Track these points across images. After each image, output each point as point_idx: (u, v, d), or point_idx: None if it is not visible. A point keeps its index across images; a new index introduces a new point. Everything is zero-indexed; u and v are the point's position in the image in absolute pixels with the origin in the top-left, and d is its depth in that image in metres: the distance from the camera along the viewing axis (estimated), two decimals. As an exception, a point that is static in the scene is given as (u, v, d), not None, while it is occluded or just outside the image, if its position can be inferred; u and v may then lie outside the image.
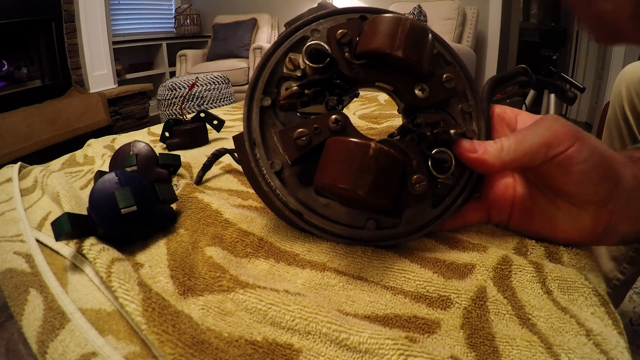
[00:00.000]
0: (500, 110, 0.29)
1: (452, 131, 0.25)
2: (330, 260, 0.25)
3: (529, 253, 0.27)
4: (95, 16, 2.54)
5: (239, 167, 0.44)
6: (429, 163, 0.26)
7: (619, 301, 0.80)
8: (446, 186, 0.27)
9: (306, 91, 0.26)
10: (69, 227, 0.24)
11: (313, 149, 0.25)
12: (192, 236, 0.28)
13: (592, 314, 0.22)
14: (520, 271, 0.24)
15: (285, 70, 0.27)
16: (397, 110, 0.32)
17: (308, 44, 0.26)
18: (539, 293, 0.23)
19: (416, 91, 0.27)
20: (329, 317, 0.19)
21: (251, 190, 0.37)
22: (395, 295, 0.23)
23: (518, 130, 0.25)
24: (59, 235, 0.24)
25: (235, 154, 0.41)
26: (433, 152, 0.26)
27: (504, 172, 0.28)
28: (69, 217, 0.24)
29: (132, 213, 0.26)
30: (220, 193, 0.37)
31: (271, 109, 0.26)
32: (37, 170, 0.44)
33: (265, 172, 0.25)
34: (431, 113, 0.28)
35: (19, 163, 0.46)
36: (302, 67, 0.26)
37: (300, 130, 0.24)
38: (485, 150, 0.25)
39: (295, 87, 0.26)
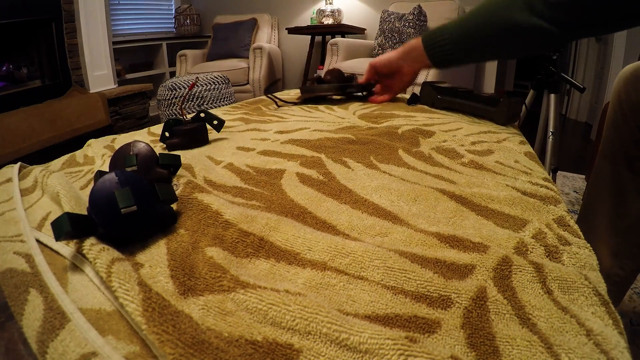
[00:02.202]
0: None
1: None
2: (331, 260, 0.25)
3: (529, 253, 0.27)
4: (95, 16, 2.54)
5: (241, 167, 0.44)
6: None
7: (620, 298, 0.80)
8: None
9: None
10: (69, 227, 0.24)
11: None
12: (192, 236, 0.28)
13: (593, 313, 0.22)
14: (520, 271, 0.24)
15: None
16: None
17: None
18: (539, 293, 0.23)
19: None
20: (329, 317, 0.19)
21: (255, 189, 0.37)
22: (395, 295, 0.23)
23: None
24: (59, 235, 0.24)
25: None
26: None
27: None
28: (69, 217, 0.24)
29: (132, 213, 0.26)
30: (224, 194, 0.37)
31: None
32: (37, 170, 0.44)
33: None
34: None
35: (19, 163, 0.46)
36: None
37: None
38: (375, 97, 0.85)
39: None
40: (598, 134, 1.66)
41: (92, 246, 0.25)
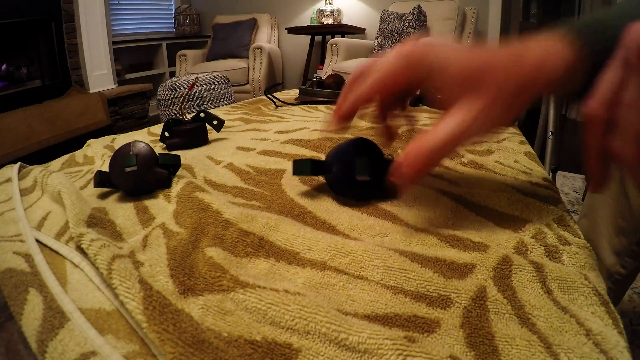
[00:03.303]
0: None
1: None
2: (331, 259, 0.25)
3: (529, 253, 0.27)
4: (95, 16, 2.54)
5: (241, 166, 0.44)
6: None
7: (620, 296, 0.80)
8: None
9: None
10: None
11: None
12: (192, 236, 0.28)
13: (592, 313, 0.22)
14: (520, 271, 0.24)
15: None
16: None
17: None
18: (539, 293, 0.23)
19: None
20: (328, 317, 0.19)
21: (255, 189, 0.37)
22: (395, 294, 0.23)
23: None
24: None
25: None
26: None
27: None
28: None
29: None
30: (224, 194, 0.37)
31: None
32: (36, 170, 0.44)
33: None
34: None
35: (19, 163, 0.46)
36: None
37: None
38: None
39: None
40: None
41: (93, 242, 0.25)
